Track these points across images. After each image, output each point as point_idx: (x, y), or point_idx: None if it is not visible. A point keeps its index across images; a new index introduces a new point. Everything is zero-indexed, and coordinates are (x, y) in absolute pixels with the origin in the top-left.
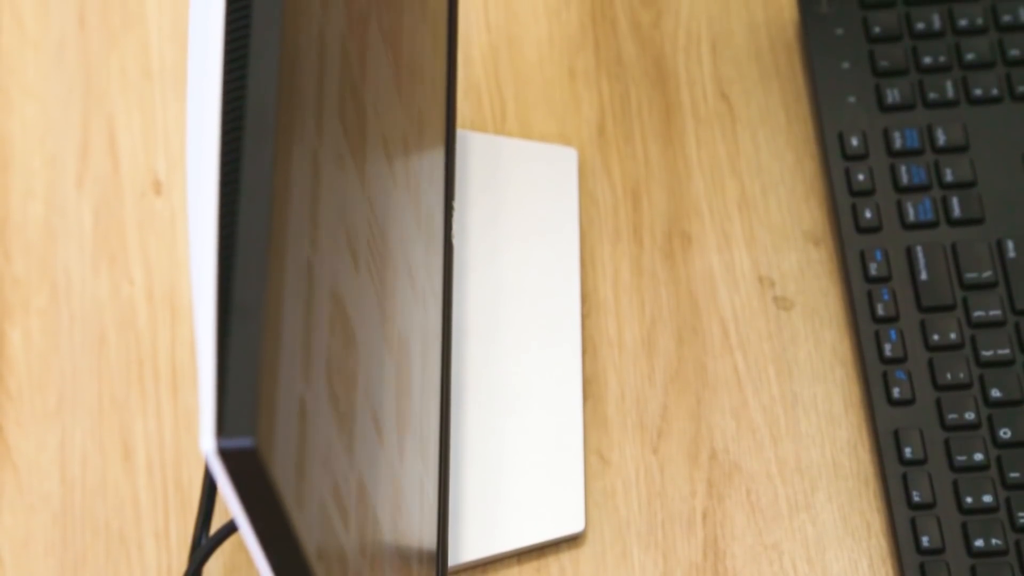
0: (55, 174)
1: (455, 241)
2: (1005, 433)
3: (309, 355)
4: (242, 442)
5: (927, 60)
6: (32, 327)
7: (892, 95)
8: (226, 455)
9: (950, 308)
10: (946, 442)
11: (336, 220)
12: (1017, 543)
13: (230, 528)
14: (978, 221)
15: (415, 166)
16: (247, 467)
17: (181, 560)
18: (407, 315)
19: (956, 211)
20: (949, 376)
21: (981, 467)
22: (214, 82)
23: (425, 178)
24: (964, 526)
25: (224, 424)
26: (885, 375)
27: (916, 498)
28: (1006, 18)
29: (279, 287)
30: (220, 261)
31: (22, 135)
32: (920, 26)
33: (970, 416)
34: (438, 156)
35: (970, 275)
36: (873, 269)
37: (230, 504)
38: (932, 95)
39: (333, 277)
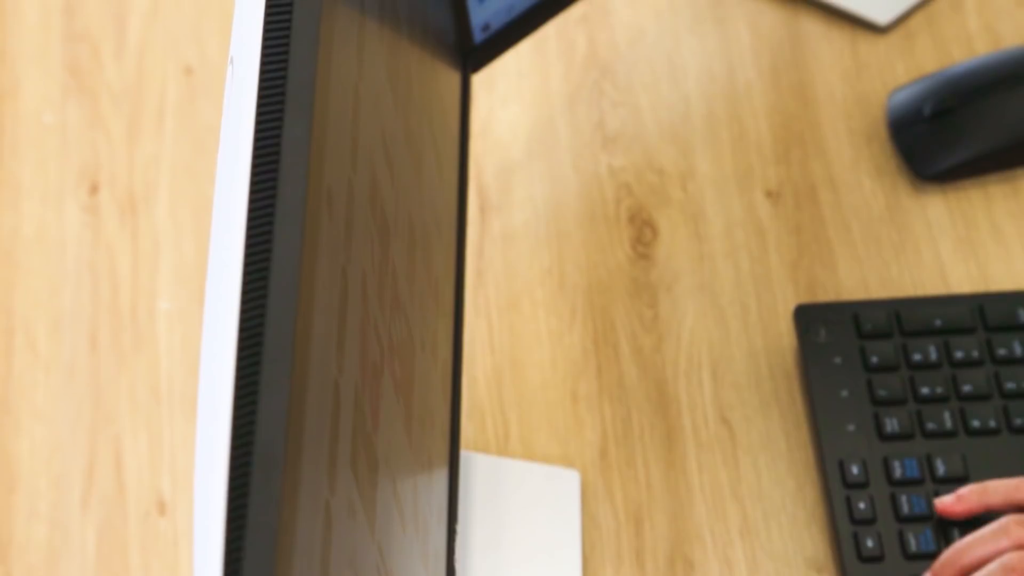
0: (60, 495)
1: (457, 565)
2: None
3: None
4: None
5: (925, 391)
6: None
7: (891, 424)
8: None
9: None
10: None
11: (346, 569)
12: None
13: None
14: None
15: (421, 496)
16: None
17: None
18: None
19: None
20: None
21: None
22: (224, 422)
23: (429, 503)
24: None
25: None
26: None
27: None
28: (1001, 351)
29: None
30: None
31: (29, 456)
32: (917, 357)
33: None
34: (442, 479)
35: None
36: None
37: None
38: (931, 425)
39: None
